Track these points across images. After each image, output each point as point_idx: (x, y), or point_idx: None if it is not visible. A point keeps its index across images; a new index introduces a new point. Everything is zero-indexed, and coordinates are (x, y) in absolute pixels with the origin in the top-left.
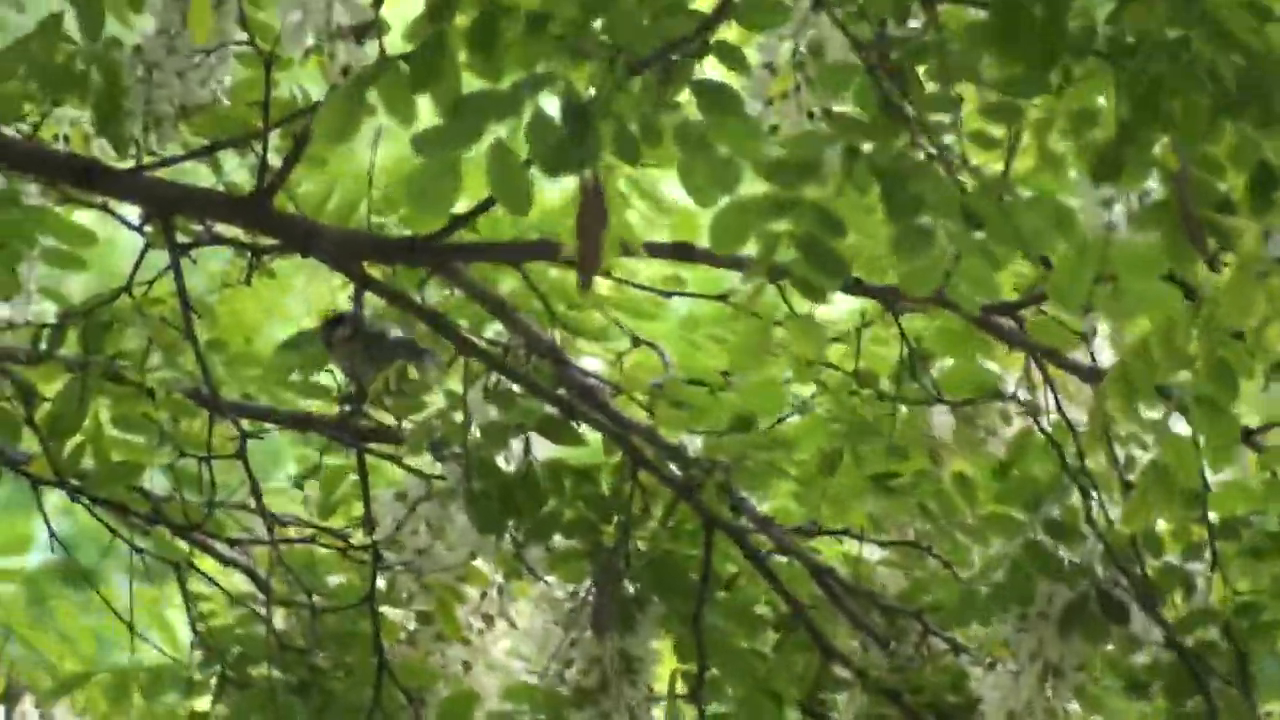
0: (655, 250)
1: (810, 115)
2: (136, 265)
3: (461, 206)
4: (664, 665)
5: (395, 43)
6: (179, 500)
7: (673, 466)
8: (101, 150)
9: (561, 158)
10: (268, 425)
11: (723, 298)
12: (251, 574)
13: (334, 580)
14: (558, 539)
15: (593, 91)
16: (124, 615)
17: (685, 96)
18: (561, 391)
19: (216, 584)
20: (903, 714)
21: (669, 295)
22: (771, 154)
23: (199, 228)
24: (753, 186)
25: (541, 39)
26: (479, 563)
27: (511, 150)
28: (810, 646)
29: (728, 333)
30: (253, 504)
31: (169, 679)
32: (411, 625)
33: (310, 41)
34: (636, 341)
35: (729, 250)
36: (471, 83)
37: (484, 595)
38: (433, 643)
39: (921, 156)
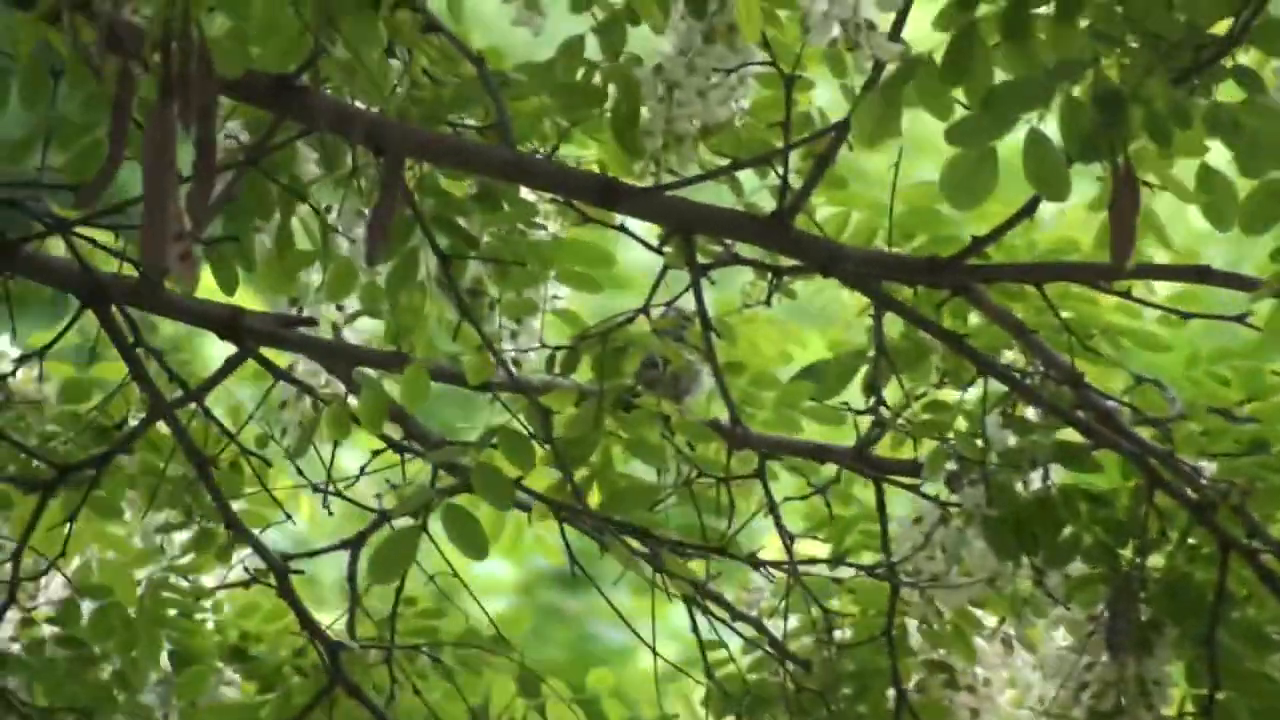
0: (1171, 273)
1: None
2: (655, 286)
3: (980, 228)
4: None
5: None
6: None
7: (1189, 491)
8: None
9: (1093, 144)
10: (784, 456)
11: (1240, 318)
12: (757, 625)
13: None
14: (1075, 564)
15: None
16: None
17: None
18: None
19: (732, 626)
20: None
21: (1187, 316)
22: None
23: (718, 248)
24: None
25: (1072, 26)
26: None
27: (1047, 137)
28: None
29: (1229, 370)
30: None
31: None
32: (919, 670)
33: (836, 33)
34: (1139, 379)
35: (1259, 232)
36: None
37: (1002, 621)
38: (940, 689)
39: None
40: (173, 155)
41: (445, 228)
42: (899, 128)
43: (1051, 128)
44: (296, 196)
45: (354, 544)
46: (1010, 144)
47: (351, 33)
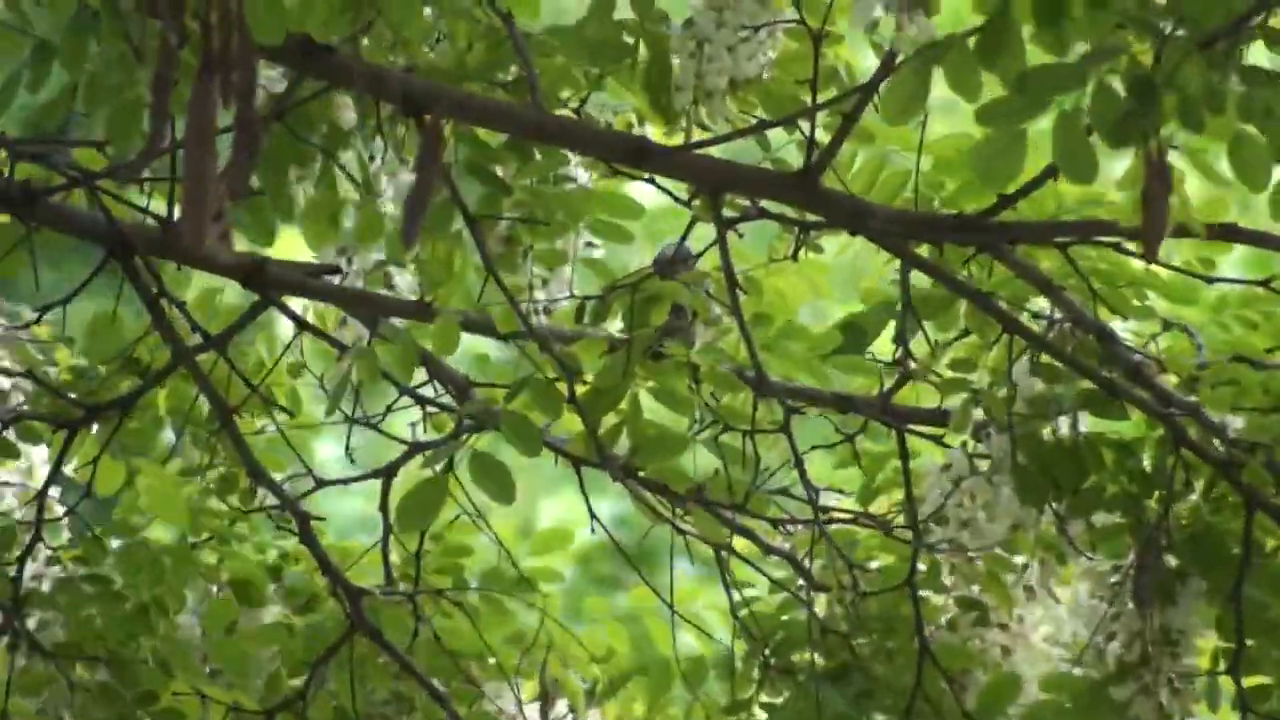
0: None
1: None
2: (683, 239)
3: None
4: (1204, 640)
5: (947, 18)
6: (723, 477)
7: (1216, 444)
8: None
9: (1125, 129)
10: (808, 406)
11: (1266, 282)
12: (791, 559)
13: (874, 565)
14: (1100, 514)
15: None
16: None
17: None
18: (1106, 371)
19: (757, 568)
20: None
21: (1211, 281)
22: None
23: (746, 203)
24: None
25: (1107, 12)
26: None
27: (1077, 120)
28: None
29: (1257, 314)
30: (794, 490)
31: (711, 668)
32: (951, 609)
33: (878, 13)
34: (1168, 325)
35: None
36: (1033, 56)
37: (1025, 568)
38: (971, 628)
39: None
40: (213, 135)
41: (479, 175)
42: (925, 104)
43: None
44: (327, 152)
45: (386, 473)
46: None
47: (393, 8)
